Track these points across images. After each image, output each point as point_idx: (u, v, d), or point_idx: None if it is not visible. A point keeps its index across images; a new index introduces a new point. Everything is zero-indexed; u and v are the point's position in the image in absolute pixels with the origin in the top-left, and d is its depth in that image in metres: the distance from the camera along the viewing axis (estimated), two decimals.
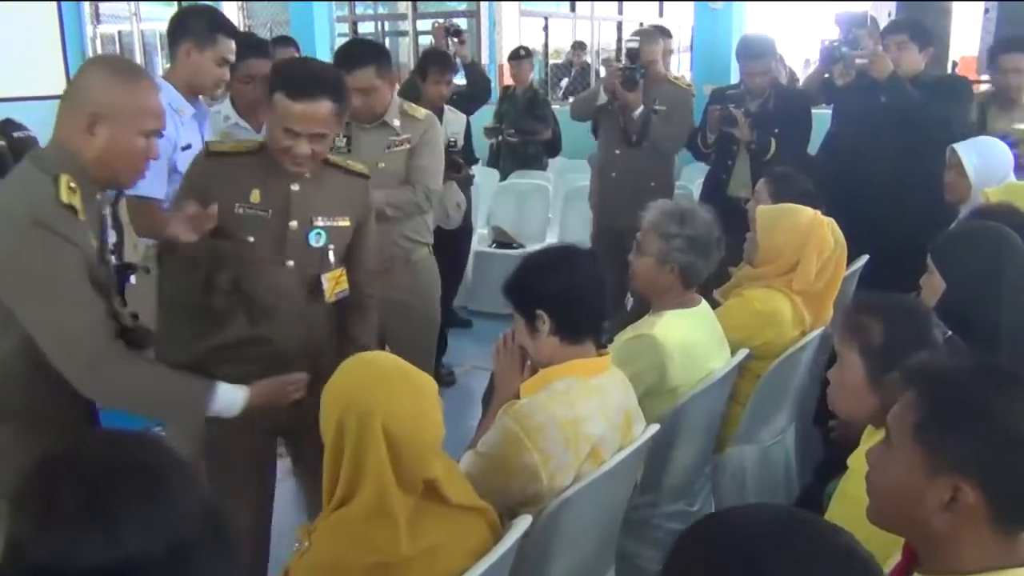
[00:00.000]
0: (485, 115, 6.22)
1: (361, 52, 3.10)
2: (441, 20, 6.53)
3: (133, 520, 0.99)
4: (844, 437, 2.33)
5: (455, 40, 5.22)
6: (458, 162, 4.19)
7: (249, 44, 3.29)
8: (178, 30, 2.87)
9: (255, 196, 2.20)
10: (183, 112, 2.87)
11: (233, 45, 2.88)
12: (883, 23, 4.25)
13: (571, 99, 8.51)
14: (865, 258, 3.49)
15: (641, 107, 4.14)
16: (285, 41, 5.40)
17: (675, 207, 2.44)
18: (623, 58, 4.50)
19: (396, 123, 3.13)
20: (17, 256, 1.73)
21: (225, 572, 1.07)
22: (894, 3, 5.37)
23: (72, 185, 1.77)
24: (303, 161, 2.15)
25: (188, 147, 2.84)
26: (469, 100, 5.33)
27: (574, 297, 1.94)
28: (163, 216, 2.72)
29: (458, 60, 5.17)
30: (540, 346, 1.96)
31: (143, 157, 1.88)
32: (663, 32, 4.83)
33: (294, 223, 2.22)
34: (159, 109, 1.90)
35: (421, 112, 3.23)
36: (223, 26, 2.88)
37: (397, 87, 3.35)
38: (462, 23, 10.64)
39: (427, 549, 1.51)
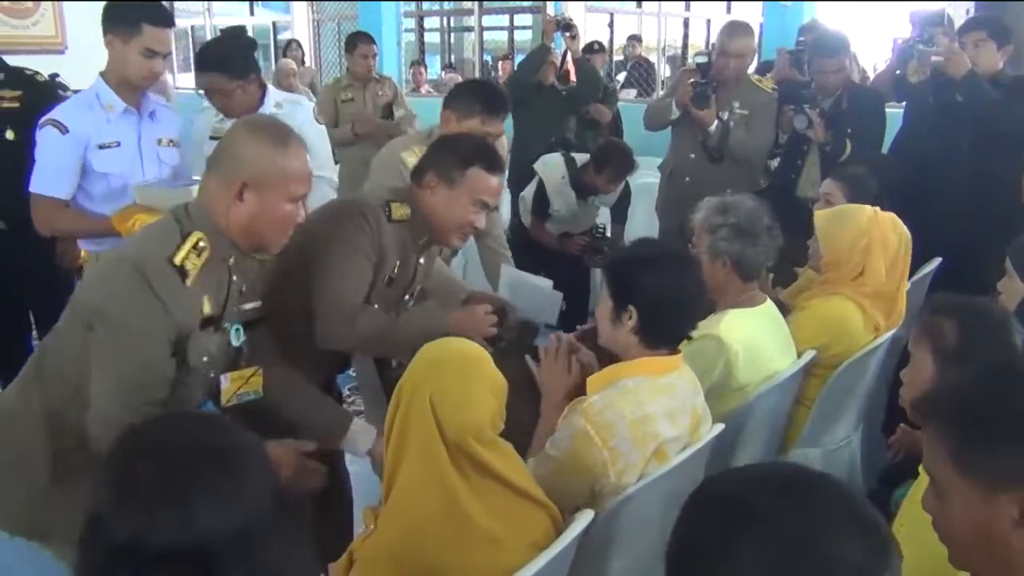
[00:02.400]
0: None
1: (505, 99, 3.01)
2: (552, 14, 6.43)
3: (206, 499, 1.02)
4: (907, 449, 2.30)
5: (567, 35, 5.07)
6: (603, 250, 4.08)
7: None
8: (104, 21, 2.67)
9: (396, 268, 2.25)
10: (112, 108, 2.72)
11: (166, 35, 2.68)
12: (961, 21, 4.13)
13: (625, 91, 8.44)
14: (937, 260, 3.41)
15: (716, 121, 3.96)
16: (367, 39, 5.39)
17: (719, 201, 2.44)
18: (689, 62, 4.31)
19: None
20: (109, 297, 1.73)
21: (293, 553, 1.09)
22: (973, 1, 5.22)
23: (200, 245, 1.77)
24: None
25: (115, 145, 2.72)
26: (579, 98, 5.21)
27: (669, 304, 1.89)
28: (69, 215, 2.70)
29: (568, 56, 5.07)
30: (617, 336, 1.93)
31: (291, 223, 1.86)
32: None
33: (407, 296, 2.32)
34: (307, 173, 1.88)
35: None
36: (151, 15, 2.65)
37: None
38: (527, 19, 10.65)
39: (488, 537, 1.52)
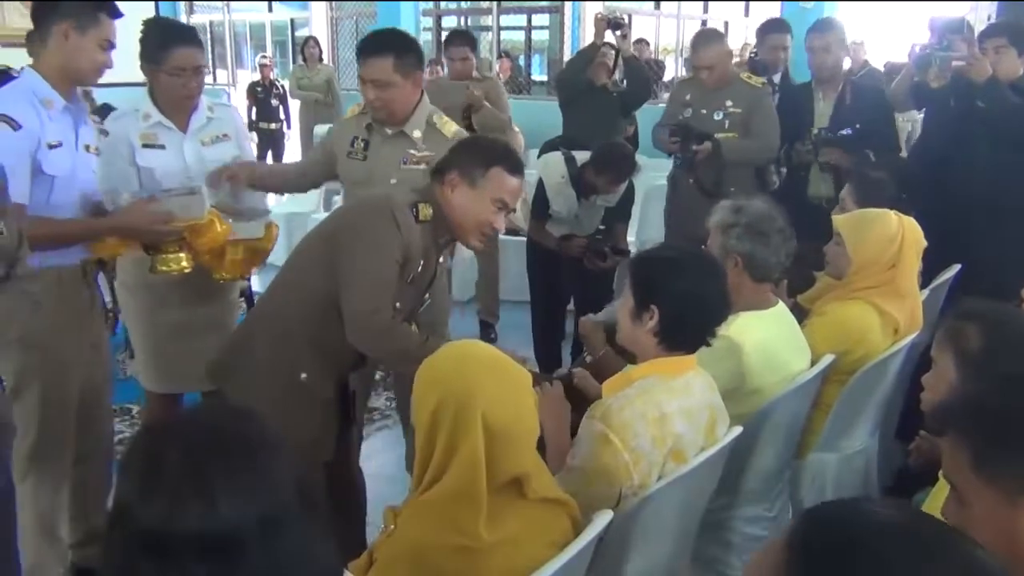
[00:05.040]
0: None
1: (380, 41, 2.86)
2: (602, 11, 6.31)
3: (229, 489, 1.02)
4: (926, 456, 2.29)
5: (616, 33, 4.95)
6: (603, 252, 3.96)
7: (175, 31, 2.95)
8: (54, 9, 2.46)
9: (420, 267, 2.28)
10: (51, 104, 2.45)
11: (116, 28, 2.52)
12: (983, 26, 4.12)
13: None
14: (957, 267, 3.40)
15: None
16: (465, 38, 5.22)
17: (733, 202, 2.45)
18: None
19: (417, 134, 2.88)
20: None
21: (315, 544, 1.09)
22: (995, 5, 5.20)
23: None
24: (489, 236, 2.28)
25: (59, 145, 2.43)
26: (629, 99, 5.10)
27: (692, 309, 1.88)
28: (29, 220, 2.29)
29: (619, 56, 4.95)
30: (635, 335, 1.93)
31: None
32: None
33: (427, 296, 2.38)
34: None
35: (451, 128, 2.94)
36: (109, 6, 2.50)
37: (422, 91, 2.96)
38: (544, 19, 10.66)
39: (507, 539, 1.51)
